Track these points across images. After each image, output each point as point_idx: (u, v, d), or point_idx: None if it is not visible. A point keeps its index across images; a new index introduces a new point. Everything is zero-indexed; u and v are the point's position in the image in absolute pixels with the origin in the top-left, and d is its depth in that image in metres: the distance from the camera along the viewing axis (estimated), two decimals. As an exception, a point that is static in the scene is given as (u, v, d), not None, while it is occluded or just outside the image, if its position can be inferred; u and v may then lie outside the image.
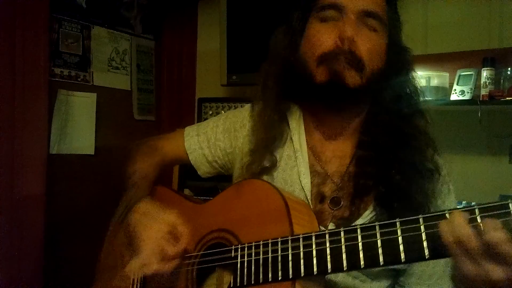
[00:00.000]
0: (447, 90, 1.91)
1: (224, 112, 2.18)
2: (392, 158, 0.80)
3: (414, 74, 0.87)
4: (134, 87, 2.53)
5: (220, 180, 1.03)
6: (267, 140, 0.89)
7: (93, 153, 2.27)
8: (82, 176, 2.21)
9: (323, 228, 0.80)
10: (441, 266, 0.81)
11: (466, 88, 1.84)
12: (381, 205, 0.80)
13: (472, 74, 1.86)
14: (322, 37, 0.82)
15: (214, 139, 1.02)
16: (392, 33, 0.84)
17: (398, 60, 0.85)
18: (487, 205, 0.56)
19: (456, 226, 0.56)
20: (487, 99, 1.77)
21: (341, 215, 0.83)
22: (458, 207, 0.87)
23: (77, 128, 2.20)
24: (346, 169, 0.87)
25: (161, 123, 2.61)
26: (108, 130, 2.34)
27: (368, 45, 0.80)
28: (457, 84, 1.88)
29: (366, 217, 0.82)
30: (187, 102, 2.75)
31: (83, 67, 2.25)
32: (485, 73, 1.80)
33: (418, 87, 0.87)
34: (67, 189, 2.13)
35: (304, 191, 0.85)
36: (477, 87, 1.84)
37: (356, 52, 0.79)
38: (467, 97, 1.83)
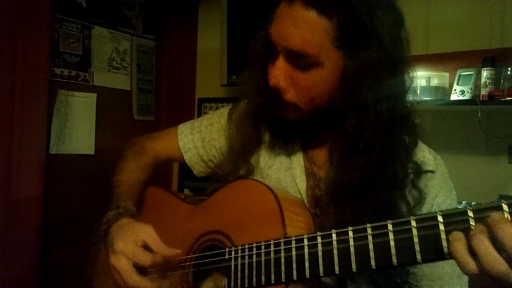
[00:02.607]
0: (447, 90, 1.91)
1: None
2: (375, 166, 0.77)
3: (402, 77, 0.79)
4: (134, 87, 2.53)
5: (218, 180, 1.04)
6: (242, 147, 0.89)
7: (93, 153, 2.27)
8: (81, 176, 2.21)
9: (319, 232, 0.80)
10: (451, 265, 0.78)
11: (466, 88, 1.84)
12: (369, 213, 0.77)
13: (472, 74, 1.86)
14: (267, 76, 0.80)
15: (209, 138, 1.00)
16: (355, 55, 0.74)
17: (370, 79, 0.75)
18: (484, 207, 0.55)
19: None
20: (487, 99, 1.77)
21: (332, 224, 0.80)
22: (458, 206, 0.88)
23: (77, 128, 2.20)
24: (335, 175, 0.84)
25: (160, 124, 2.61)
26: (108, 130, 2.34)
27: (298, 87, 0.77)
28: (457, 84, 1.88)
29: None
30: (187, 102, 2.75)
31: (83, 67, 2.25)
32: (485, 73, 1.80)
33: (405, 90, 0.80)
34: (66, 189, 2.13)
35: (300, 194, 0.84)
36: (477, 87, 1.84)
37: (285, 97, 0.78)
38: (467, 97, 1.83)
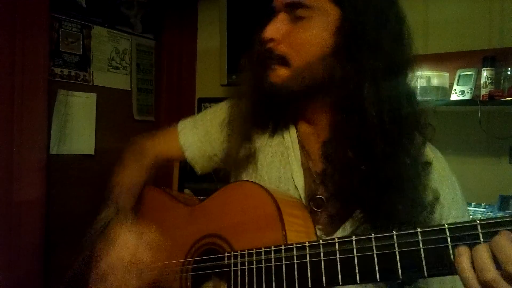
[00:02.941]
0: (447, 90, 1.91)
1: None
2: (372, 160, 0.75)
3: (402, 71, 0.79)
4: (134, 87, 2.53)
5: (220, 181, 1.03)
6: (244, 131, 0.89)
7: (93, 153, 2.27)
8: (82, 177, 2.20)
9: (317, 229, 0.79)
10: None
11: (466, 88, 1.84)
12: (362, 213, 0.77)
13: (472, 74, 1.86)
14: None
15: (213, 131, 0.99)
16: (351, 13, 0.76)
17: (361, 42, 0.75)
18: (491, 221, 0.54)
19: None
20: (487, 99, 1.77)
21: (326, 218, 0.80)
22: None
23: (77, 128, 2.19)
24: (329, 169, 0.82)
25: (160, 124, 2.61)
26: (108, 130, 2.34)
27: (292, 38, 0.79)
28: (457, 84, 1.87)
29: (354, 223, 0.78)
30: (186, 102, 2.75)
31: (83, 67, 2.25)
32: (485, 73, 1.79)
33: (407, 84, 0.80)
34: (66, 190, 2.13)
35: (298, 191, 0.83)
36: (477, 87, 1.84)
37: (274, 48, 0.80)
38: (467, 97, 1.83)
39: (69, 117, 2.16)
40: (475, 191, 1.82)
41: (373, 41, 0.75)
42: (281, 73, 0.79)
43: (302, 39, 0.78)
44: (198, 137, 1.01)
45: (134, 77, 2.53)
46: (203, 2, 2.78)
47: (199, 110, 2.58)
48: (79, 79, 2.22)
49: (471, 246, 0.53)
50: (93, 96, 2.28)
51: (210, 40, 2.69)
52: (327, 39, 0.78)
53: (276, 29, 0.79)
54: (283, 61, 0.79)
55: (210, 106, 2.55)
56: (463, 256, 0.53)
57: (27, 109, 1.87)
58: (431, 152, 0.83)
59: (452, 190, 0.81)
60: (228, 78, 2.31)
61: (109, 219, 0.86)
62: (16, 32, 1.83)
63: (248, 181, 0.86)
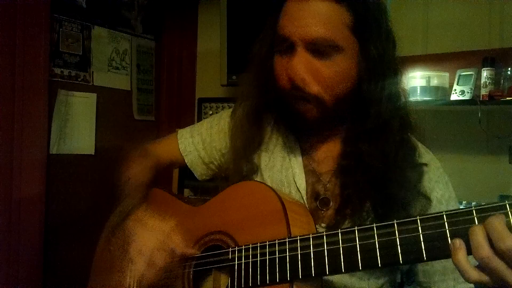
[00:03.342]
0: (447, 90, 1.91)
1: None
2: (375, 164, 0.79)
3: (400, 76, 0.84)
4: (134, 87, 2.53)
5: (220, 180, 1.04)
6: (245, 146, 0.91)
7: (93, 153, 2.27)
8: (82, 176, 2.21)
9: (319, 228, 0.81)
10: None
11: (466, 88, 1.84)
12: (369, 209, 0.79)
13: (472, 74, 1.86)
14: (280, 74, 0.81)
15: (209, 140, 1.02)
16: (366, 45, 0.79)
17: (377, 71, 0.80)
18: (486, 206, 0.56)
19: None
20: (487, 99, 1.77)
21: (331, 216, 0.83)
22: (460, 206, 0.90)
23: (77, 128, 2.20)
24: (334, 170, 0.86)
25: (160, 123, 2.61)
26: (108, 130, 2.34)
27: (322, 77, 0.78)
28: (457, 84, 1.88)
29: (359, 220, 0.81)
30: (187, 102, 2.75)
31: (83, 67, 2.25)
32: (485, 73, 1.80)
33: (403, 89, 0.85)
34: (67, 189, 2.13)
35: (300, 192, 0.85)
36: (477, 87, 1.84)
37: (307, 89, 0.78)
38: (467, 97, 1.83)
39: (69, 117, 2.16)
40: (475, 190, 1.83)
41: (381, 54, 0.80)
42: (313, 111, 0.80)
43: (334, 79, 0.79)
44: (195, 145, 1.03)
45: (134, 78, 2.53)
46: (203, 3, 2.79)
47: (199, 110, 2.59)
48: (79, 79, 2.23)
49: (467, 230, 0.56)
50: (93, 96, 2.28)
51: (210, 41, 2.70)
52: (354, 72, 0.80)
53: (304, 68, 0.77)
54: (315, 99, 0.79)
55: (210, 106, 2.55)
56: (458, 250, 0.56)
57: (27, 109, 1.87)
58: (426, 154, 0.87)
59: (447, 189, 0.85)
60: (228, 79, 2.31)
61: (126, 208, 0.87)
62: (17, 32, 1.83)
63: (253, 180, 0.89)
